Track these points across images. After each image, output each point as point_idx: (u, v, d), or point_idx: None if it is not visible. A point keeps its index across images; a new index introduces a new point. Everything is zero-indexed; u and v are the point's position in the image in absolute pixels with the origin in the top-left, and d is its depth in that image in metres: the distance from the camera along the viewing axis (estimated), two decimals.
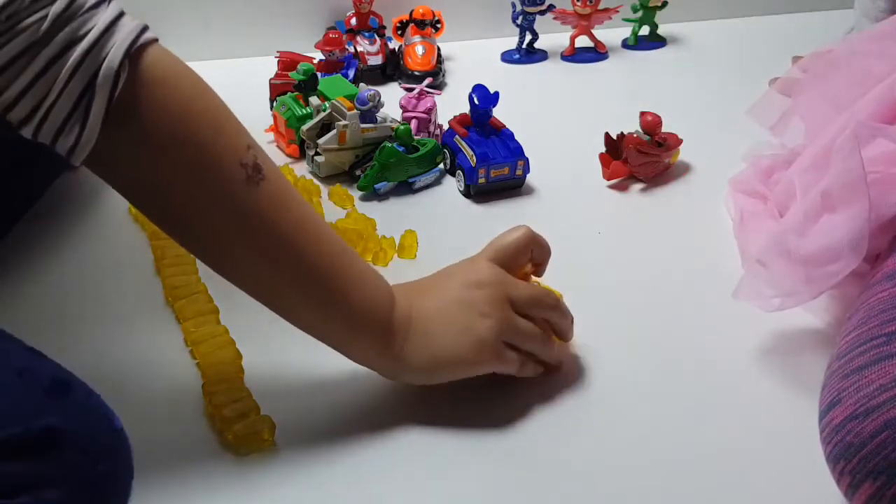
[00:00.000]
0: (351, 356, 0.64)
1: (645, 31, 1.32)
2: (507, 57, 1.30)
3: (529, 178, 0.96)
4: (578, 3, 1.25)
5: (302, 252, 0.58)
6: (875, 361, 0.51)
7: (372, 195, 0.93)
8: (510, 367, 0.64)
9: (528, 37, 1.28)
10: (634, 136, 0.94)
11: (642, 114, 0.95)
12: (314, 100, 0.99)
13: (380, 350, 0.62)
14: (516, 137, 0.96)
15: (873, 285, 0.59)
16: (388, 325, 0.61)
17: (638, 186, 0.95)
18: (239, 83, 1.12)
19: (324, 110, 0.97)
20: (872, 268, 0.63)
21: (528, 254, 0.67)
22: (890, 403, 0.49)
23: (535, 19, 1.27)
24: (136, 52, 0.52)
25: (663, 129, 0.96)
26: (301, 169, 0.98)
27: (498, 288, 0.63)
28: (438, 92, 1.15)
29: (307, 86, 1.01)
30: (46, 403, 0.50)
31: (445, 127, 0.99)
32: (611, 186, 0.95)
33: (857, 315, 0.57)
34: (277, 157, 1.01)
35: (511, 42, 1.30)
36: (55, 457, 0.48)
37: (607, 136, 0.95)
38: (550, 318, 0.66)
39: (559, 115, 1.13)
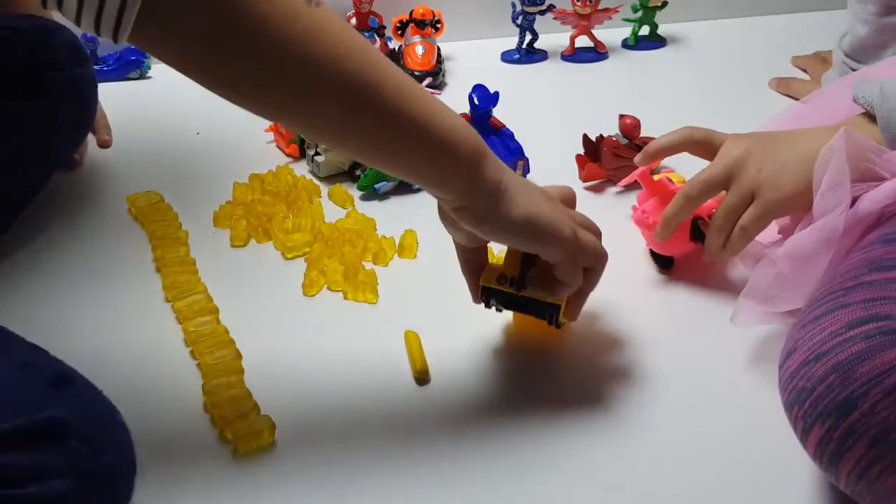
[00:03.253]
0: (445, 185, 0.59)
1: (645, 31, 1.32)
2: (507, 57, 1.30)
3: (529, 178, 0.96)
4: (578, 3, 1.25)
5: (382, 69, 0.55)
6: (830, 311, 0.53)
7: (372, 195, 0.93)
8: (575, 256, 0.63)
9: (528, 37, 1.28)
10: (612, 139, 0.94)
11: (621, 117, 0.95)
12: None
13: (474, 179, 0.59)
14: (516, 137, 0.96)
15: (846, 255, 0.61)
16: (482, 153, 0.59)
17: (635, 188, 0.95)
18: None
19: None
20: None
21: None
22: (839, 348, 0.50)
23: (535, 19, 1.27)
24: None
25: (658, 133, 0.96)
26: (301, 169, 0.98)
27: (561, 206, 0.65)
28: (438, 92, 1.15)
29: None
30: (50, 395, 0.51)
31: None
32: (591, 187, 0.95)
33: (826, 278, 0.59)
34: (277, 157, 1.01)
35: (511, 42, 1.30)
36: (60, 447, 0.48)
37: (586, 137, 0.96)
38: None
39: (559, 115, 1.13)
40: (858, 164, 0.64)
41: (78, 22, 0.49)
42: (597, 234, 0.67)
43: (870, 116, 0.68)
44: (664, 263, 0.81)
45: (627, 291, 0.78)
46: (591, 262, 0.65)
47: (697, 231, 0.77)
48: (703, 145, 0.76)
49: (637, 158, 0.79)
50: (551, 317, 0.67)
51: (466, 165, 0.58)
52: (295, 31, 0.51)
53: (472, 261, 0.68)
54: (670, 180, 0.82)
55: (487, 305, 0.69)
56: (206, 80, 0.52)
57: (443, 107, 0.58)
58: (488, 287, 0.67)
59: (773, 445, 0.60)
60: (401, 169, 0.60)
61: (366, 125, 0.56)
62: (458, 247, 0.67)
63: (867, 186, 0.64)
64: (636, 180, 0.82)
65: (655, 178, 0.82)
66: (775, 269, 0.66)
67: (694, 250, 0.79)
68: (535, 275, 0.65)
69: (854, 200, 0.64)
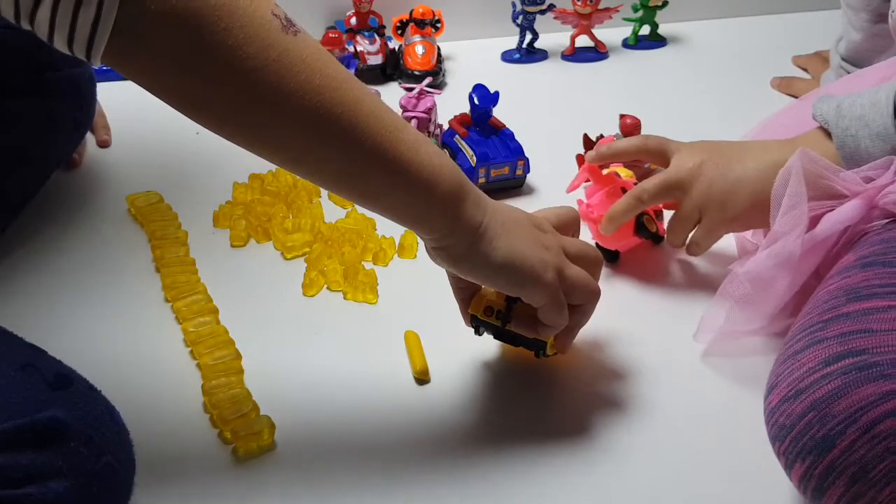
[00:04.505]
0: (422, 224, 0.58)
1: (645, 30, 1.32)
2: (507, 57, 1.29)
3: (529, 178, 0.96)
4: (579, 3, 1.25)
5: (359, 103, 0.53)
6: (808, 346, 0.53)
7: None
8: (558, 300, 0.62)
9: (529, 36, 1.28)
10: (613, 138, 0.94)
11: (622, 116, 0.94)
12: None
13: (451, 220, 0.57)
14: (516, 137, 0.96)
15: (825, 280, 0.61)
16: (462, 192, 0.58)
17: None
18: None
19: None
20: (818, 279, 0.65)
21: (572, 231, 0.68)
22: (816, 385, 0.50)
23: (535, 19, 1.26)
24: None
25: (659, 132, 0.95)
26: None
27: (555, 235, 0.64)
28: (438, 91, 1.15)
29: None
30: (50, 396, 0.50)
31: (445, 127, 0.99)
32: None
33: (806, 307, 0.59)
34: None
35: (511, 42, 1.30)
36: (60, 448, 0.48)
37: (586, 137, 0.95)
38: (592, 275, 0.65)
39: (559, 115, 1.13)
40: (817, 181, 0.65)
41: (51, 40, 0.48)
42: (594, 262, 0.65)
43: (825, 132, 0.69)
44: (610, 257, 0.82)
45: None
46: (579, 300, 0.64)
47: (642, 226, 0.79)
48: (658, 154, 0.78)
49: (589, 155, 0.81)
50: (538, 351, 0.67)
51: (444, 205, 0.57)
52: (268, 59, 0.50)
53: (464, 288, 0.67)
54: (618, 174, 0.83)
55: (477, 333, 0.69)
56: (177, 104, 0.51)
57: (423, 143, 0.57)
58: (476, 316, 0.67)
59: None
60: (375, 206, 0.58)
61: (338, 160, 0.54)
62: (449, 274, 0.66)
63: (827, 205, 0.65)
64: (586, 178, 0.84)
65: (604, 172, 0.84)
66: (740, 289, 0.67)
67: (638, 244, 0.81)
68: (522, 308, 0.64)
69: (817, 219, 0.65)
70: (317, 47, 0.52)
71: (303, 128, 0.52)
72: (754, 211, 0.70)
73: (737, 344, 0.71)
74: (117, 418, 0.53)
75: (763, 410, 0.55)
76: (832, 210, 0.65)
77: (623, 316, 0.75)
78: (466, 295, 0.67)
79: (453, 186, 0.57)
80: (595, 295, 0.65)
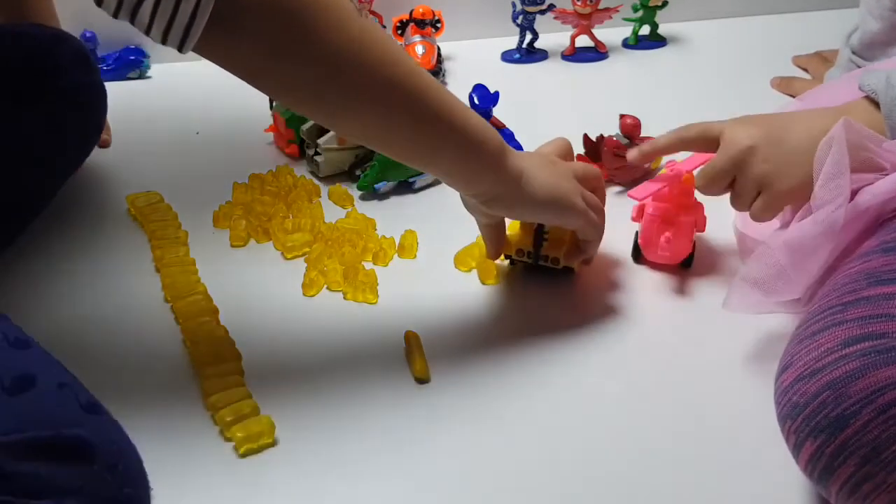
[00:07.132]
0: (476, 180, 0.68)
1: (645, 30, 1.32)
2: (507, 57, 1.30)
3: None
4: (579, 3, 1.25)
5: (421, 75, 0.62)
6: (827, 328, 0.53)
7: (372, 195, 0.93)
8: (591, 218, 0.73)
9: (529, 36, 1.28)
10: (613, 138, 0.94)
11: (622, 116, 0.94)
12: None
13: (499, 171, 0.67)
14: (516, 137, 0.96)
15: (845, 264, 0.61)
16: (503, 147, 0.67)
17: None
18: (239, 83, 1.11)
19: None
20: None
21: (569, 159, 0.78)
22: (833, 365, 0.50)
23: (535, 19, 1.27)
24: None
25: (659, 133, 0.95)
26: (301, 169, 0.98)
27: (567, 164, 0.75)
28: None
29: None
30: (82, 416, 0.50)
31: None
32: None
33: (824, 289, 0.59)
34: (277, 157, 1.01)
35: (511, 42, 1.30)
36: (83, 467, 0.47)
37: (586, 137, 0.95)
38: (597, 190, 0.76)
39: (559, 115, 1.13)
40: (857, 153, 0.64)
41: (148, 31, 0.53)
42: (596, 176, 0.76)
43: (872, 102, 0.68)
44: (638, 255, 0.82)
45: (623, 287, 0.79)
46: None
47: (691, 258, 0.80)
48: (702, 141, 0.75)
49: (631, 155, 0.79)
50: (565, 273, 0.79)
51: (492, 160, 0.66)
52: (351, 39, 0.57)
53: (493, 234, 0.76)
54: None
55: (512, 264, 0.81)
56: (265, 87, 0.58)
57: (467, 107, 0.65)
58: (510, 256, 0.79)
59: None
60: (436, 167, 0.67)
61: (409, 127, 0.62)
62: (481, 225, 0.75)
63: (867, 178, 0.64)
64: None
65: (660, 172, 0.82)
66: (773, 259, 0.66)
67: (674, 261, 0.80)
68: (547, 247, 0.77)
69: (855, 192, 0.63)
70: (380, 27, 0.60)
71: (381, 100, 0.60)
72: (811, 185, 0.66)
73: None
74: (138, 456, 0.53)
75: (774, 391, 0.54)
76: (871, 184, 0.64)
77: (634, 308, 0.76)
78: (497, 240, 0.76)
79: (497, 144, 0.66)
80: (603, 211, 0.75)
